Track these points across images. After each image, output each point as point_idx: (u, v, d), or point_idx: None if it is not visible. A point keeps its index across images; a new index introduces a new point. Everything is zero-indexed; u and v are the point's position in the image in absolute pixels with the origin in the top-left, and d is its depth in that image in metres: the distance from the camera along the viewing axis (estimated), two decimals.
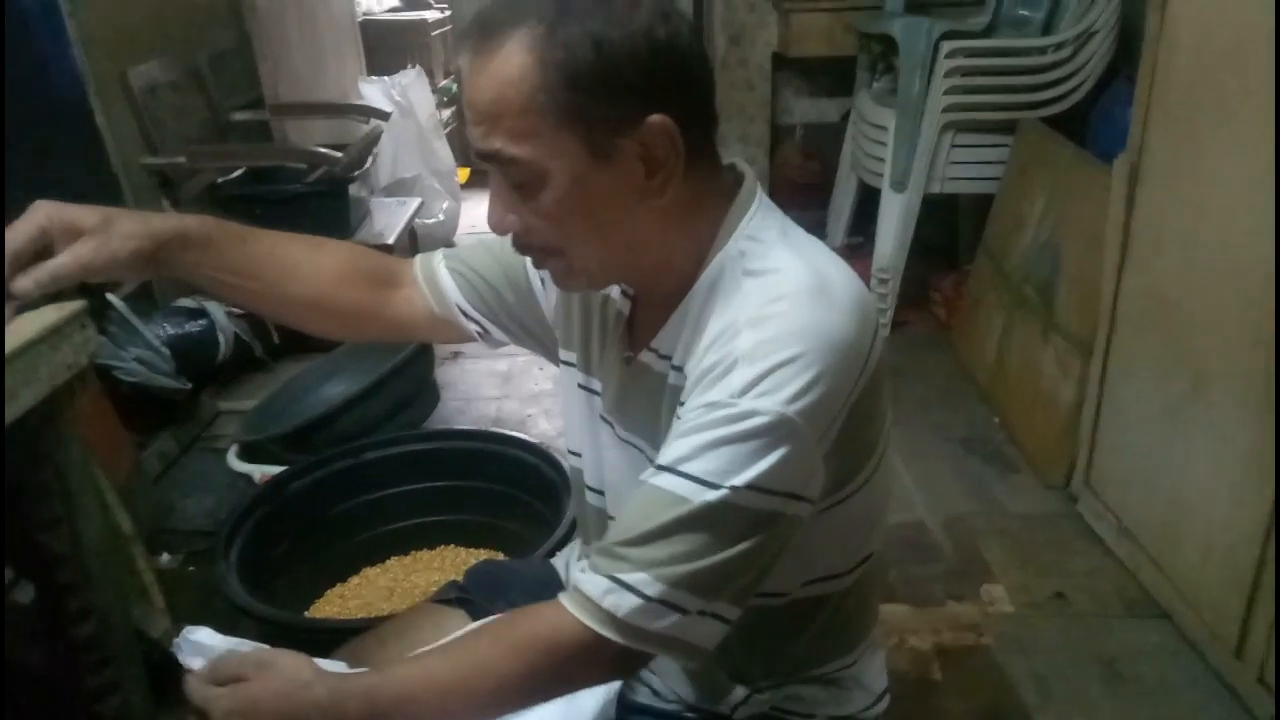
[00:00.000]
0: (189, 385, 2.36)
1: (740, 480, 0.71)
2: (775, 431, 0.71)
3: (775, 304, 0.74)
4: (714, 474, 0.72)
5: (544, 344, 1.03)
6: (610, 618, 0.72)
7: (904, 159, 2.79)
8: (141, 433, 2.29)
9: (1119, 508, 2.00)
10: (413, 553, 1.93)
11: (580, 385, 0.97)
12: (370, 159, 2.74)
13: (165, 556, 2.07)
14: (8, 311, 0.77)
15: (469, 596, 1.09)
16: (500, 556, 1.82)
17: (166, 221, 0.88)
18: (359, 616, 1.73)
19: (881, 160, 2.89)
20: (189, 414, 2.50)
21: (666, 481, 0.73)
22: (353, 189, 2.68)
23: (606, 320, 0.92)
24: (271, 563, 1.72)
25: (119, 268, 0.83)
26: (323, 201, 2.60)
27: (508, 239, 0.81)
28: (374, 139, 2.74)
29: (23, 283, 0.78)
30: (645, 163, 0.75)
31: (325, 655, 0.92)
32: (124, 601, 0.95)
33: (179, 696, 0.72)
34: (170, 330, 2.40)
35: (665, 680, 0.98)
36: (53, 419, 0.80)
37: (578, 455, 1.00)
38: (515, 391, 2.82)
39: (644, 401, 0.87)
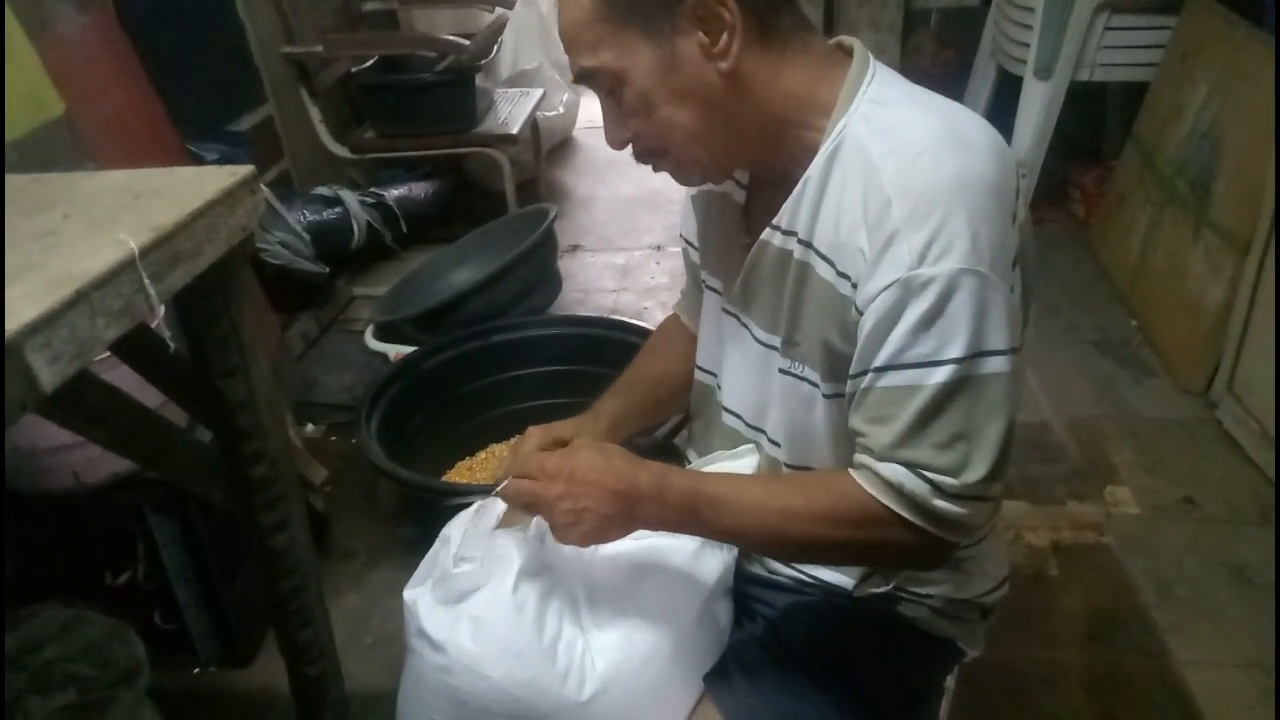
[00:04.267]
0: (327, 269, 2.48)
1: (958, 349, 0.72)
2: (965, 289, 0.71)
3: (916, 161, 0.73)
4: (933, 353, 0.72)
5: None
6: (909, 502, 0.75)
7: (1051, 42, 2.61)
8: (285, 313, 2.44)
9: (1264, 414, 1.90)
10: None
11: (705, 283, 1.00)
12: (496, 47, 2.75)
13: (309, 427, 2.24)
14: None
15: None
16: None
17: (606, 420, 1.06)
18: None
19: (1025, 45, 2.70)
20: (327, 297, 2.64)
21: (892, 379, 0.74)
22: (478, 79, 2.70)
23: (724, 214, 0.93)
24: (406, 435, 1.83)
25: None
26: (450, 91, 2.63)
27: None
28: (499, 27, 2.74)
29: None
30: (704, 30, 0.75)
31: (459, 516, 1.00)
32: (289, 449, 1.04)
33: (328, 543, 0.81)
34: (309, 216, 2.52)
35: None
36: (229, 277, 0.87)
37: (699, 361, 1.03)
38: (633, 284, 2.86)
39: (767, 282, 0.87)
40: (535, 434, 1.01)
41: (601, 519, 0.80)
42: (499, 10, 2.86)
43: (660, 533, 0.95)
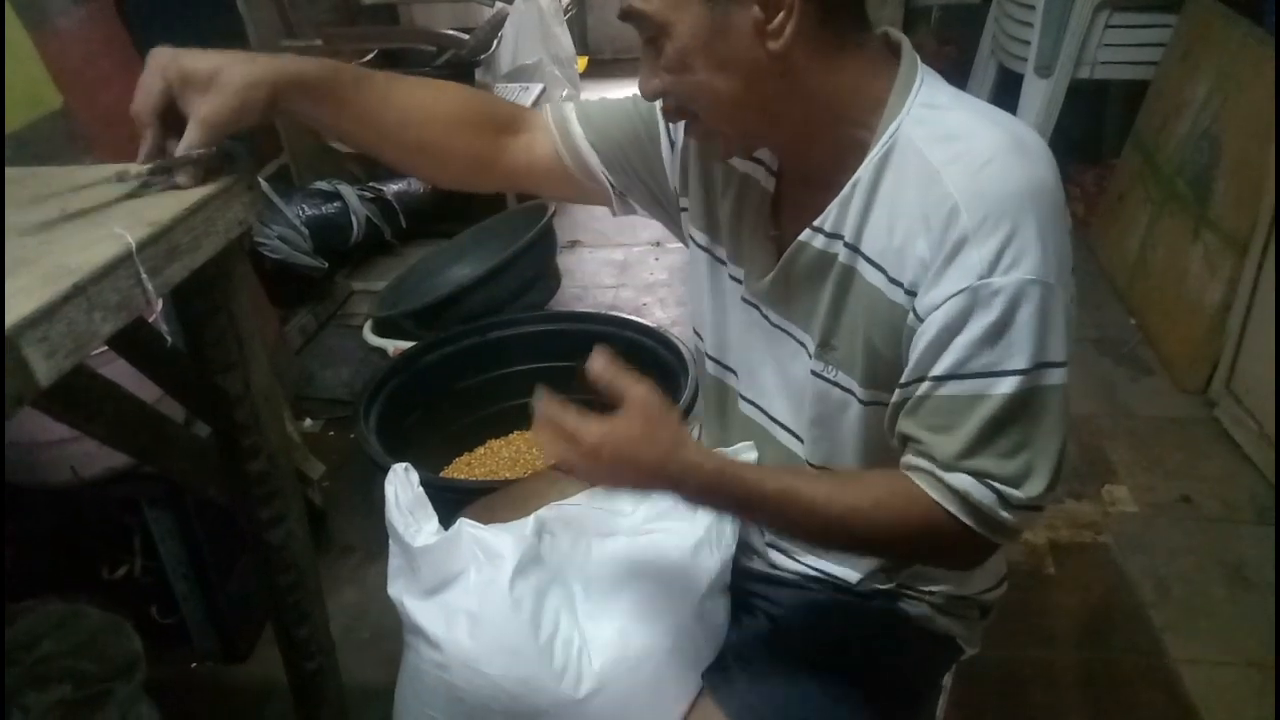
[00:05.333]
0: (325, 264, 2.48)
1: (1023, 360, 0.71)
2: (1034, 301, 0.70)
3: (984, 169, 0.71)
4: (996, 363, 0.71)
5: (670, 217, 1.01)
6: (974, 512, 0.74)
7: (1052, 40, 2.61)
8: (283, 308, 2.44)
9: (1262, 413, 1.91)
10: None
11: (714, 264, 0.96)
12: (495, 42, 2.74)
13: (308, 421, 2.24)
14: (187, 178, 0.80)
15: None
16: None
17: (282, 67, 0.83)
18: None
19: (1026, 43, 2.70)
20: (325, 292, 2.64)
21: (953, 389, 0.73)
22: (477, 74, 2.70)
23: (748, 199, 0.90)
24: (404, 430, 1.83)
25: (241, 119, 0.80)
26: None
27: (637, 101, 0.80)
28: (499, 22, 2.73)
29: (183, 180, 0.79)
30: (761, 5, 0.72)
31: (458, 512, 1.00)
32: (287, 444, 1.04)
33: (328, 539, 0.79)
34: (308, 211, 2.52)
35: (789, 552, 0.99)
36: (227, 272, 0.87)
37: (700, 338, 1.00)
38: (631, 280, 2.85)
39: (803, 283, 0.84)
40: (158, 63, 0.80)
41: (631, 488, 0.78)
42: (498, 5, 2.86)
43: (657, 528, 0.96)
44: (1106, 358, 2.33)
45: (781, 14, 0.72)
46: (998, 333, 0.71)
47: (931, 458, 0.75)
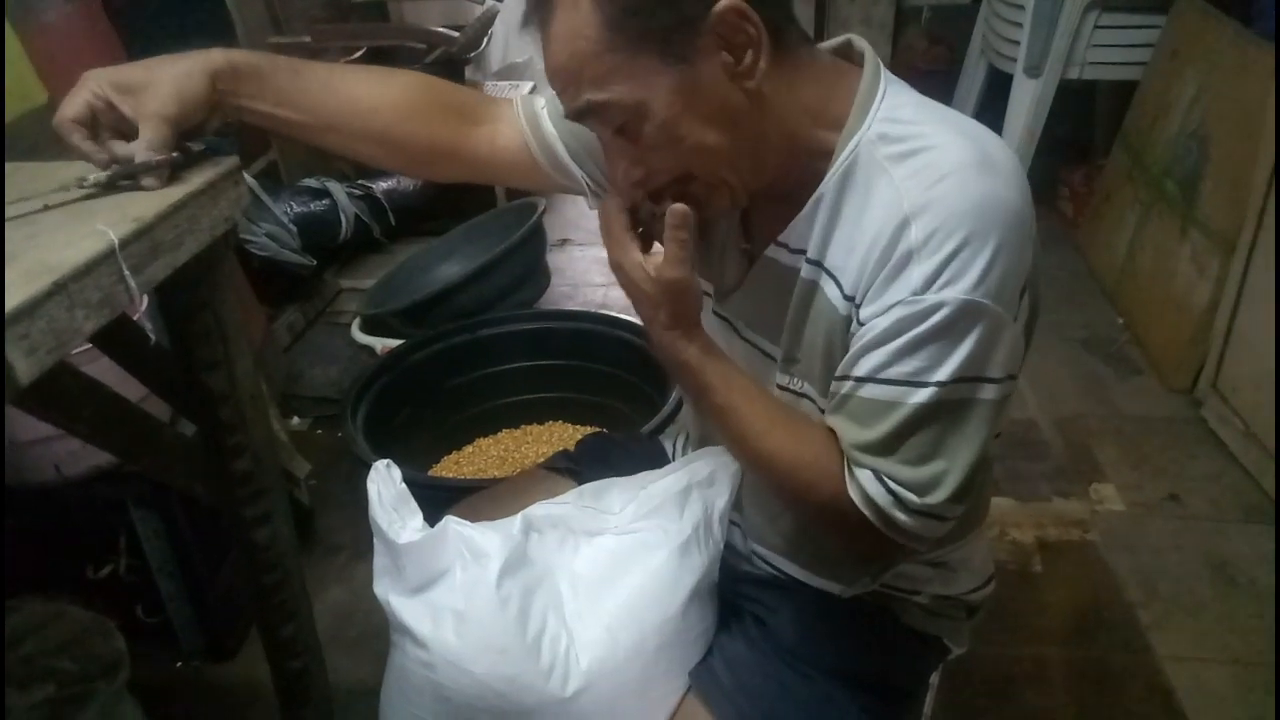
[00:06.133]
0: (314, 262, 2.47)
1: (944, 374, 0.71)
2: (966, 320, 0.70)
3: (939, 185, 0.70)
4: (917, 374, 0.71)
5: None
6: (870, 506, 0.74)
7: (1041, 40, 2.61)
8: (271, 306, 2.43)
9: (1248, 412, 1.92)
10: (523, 426, 2.01)
11: None
12: (485, 40, 2.73)
13: (295, 420, 2.23)
14: (153, 181, 0.79)
15: (577, 467, 1.13)
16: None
17: (211, 55, 0.84)
18: None
19: (1016, 43, 2.71)
20: (313, 290, 2.63)
21: (871, 391, 0.73)
22: (467, 71, 2.69)
23: (717, 216, 0.90)
24: (392, 429, 1.83)
25: (185, 110, 0.81)
26: None
27: None
28: (489, 19, 2.73)
29: (149, 184, 0.79)
30: (729, 50, 0.71)
31: (445, 510, 0.99)
32: (272, 443, 1.04)
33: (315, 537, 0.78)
34: (296, 208, 2.50)
35: (774, 553, 0.99)
36: (211, 269, 0.87)
37: None
38: None
39: (770, 298, 0.84)
40: (90, 77, 0.82)
41: (639, 305, 0.81)
42: (489, 2, 2.85)
43: (645, 527, 0.95)
44: (1094, 357, 2.34)
45: (749, 53, 0.72)
46: (922, 346, 0.70)
47: (849, 451, 0.76)
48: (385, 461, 0.94)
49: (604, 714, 0.87)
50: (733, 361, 0.83)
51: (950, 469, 0.73)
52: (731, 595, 1.00)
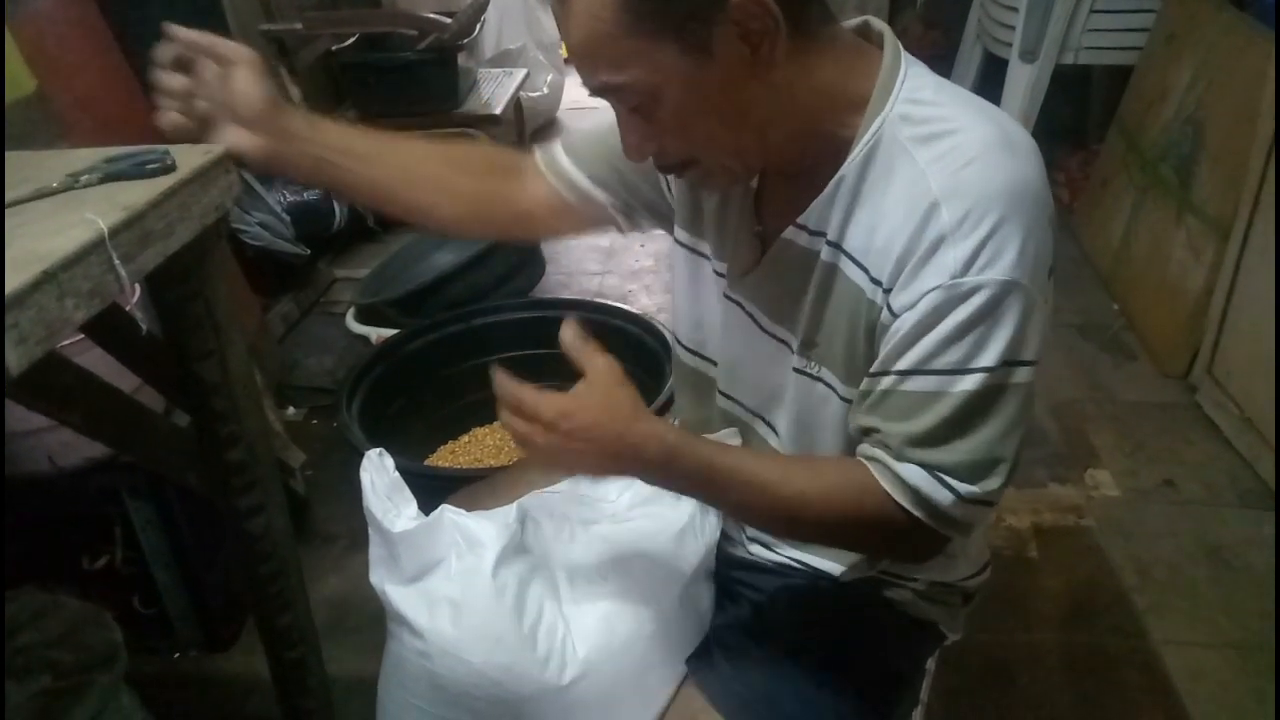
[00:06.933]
0: (308, 251, 2.46)
1: (989, 359, 0.71)
2: (1007, 301, 0.70)
3: (967, 168, 0.70)
4: (961, 361, 0.71)
5: (671, 223, 1.00)
6: (924, 504, 0.74)
7: (1037, 25, 2.61)
8: (265, 296, 2.42)
9: (1243, 397, 1.92)
10: None
11: (695, 259, 0.95)
12: (478, 27, 2.72)
13: (290, 410, 2.22)
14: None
15: None
16: None
17: (268, 151, 0.87)
18: None
19: (1011, 28, 2.70)
20: (308, 279, 2.62)
21: (916, 384, 0.73)
22: (460, 59, 2.67)
23: (732, 194, 0.89)
24: (388, 418, 1.82)
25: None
26: (432, 70, 2.60)
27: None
28: (482, 6, 2.71)
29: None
30: (746, 40, 0.70)
31: (442, 500, 0.99)
32: (266, 433, 1.03)
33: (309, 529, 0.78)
34: (290, 197, 2.49)
35: (770, 545, 0.99)
36: (203, 257, 0.86)
37: (683, 341, 1.00)
38: (617, 267, 2.84)
39: (787, 280, 0.84)
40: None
41: (590, 472, 0.79)
42: None
43: (641, 515, 0.95)
44: (1090, 343, 2.34)
45: (766, 43, 0.71)
46: (966, 331, 0.70)
47: (886, 447, 0.75)
48: (378, 450, 0.94)
49: (601, 702, 0.87)
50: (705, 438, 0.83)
51: (998, 453, 0.73)
52: (728, 582, 1.00)
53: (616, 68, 0.72)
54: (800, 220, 0.80)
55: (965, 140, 0.72)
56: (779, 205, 0.84)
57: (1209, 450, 1.95)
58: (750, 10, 0.69)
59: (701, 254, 0.94)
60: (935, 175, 0.71)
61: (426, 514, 0.91)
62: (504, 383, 0.76)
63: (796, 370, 0.85)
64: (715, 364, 0.97)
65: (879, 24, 0.80)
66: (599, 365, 0.77)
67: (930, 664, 1.06)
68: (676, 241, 0.96)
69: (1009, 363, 0.72)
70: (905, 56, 0.78)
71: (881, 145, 0.74)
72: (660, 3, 0.69)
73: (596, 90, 0.74)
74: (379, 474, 0.92)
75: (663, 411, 1.57)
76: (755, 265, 0.87)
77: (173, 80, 0.86)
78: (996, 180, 0.70)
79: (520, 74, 3.05)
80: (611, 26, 0.70)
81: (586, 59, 0.73)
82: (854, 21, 0.82)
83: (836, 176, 0.76)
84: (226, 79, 0.85)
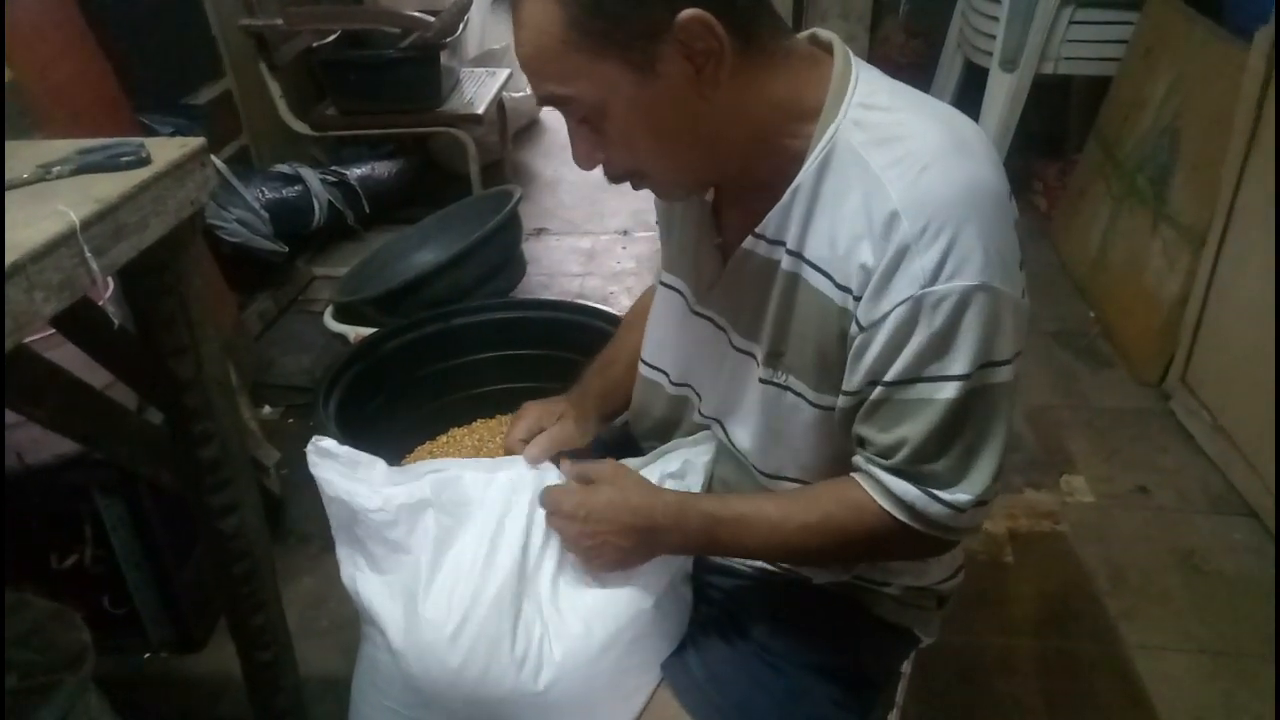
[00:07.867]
0: (286, 249, 2.43)
1: (968, 365, 0.71)
2: (980, 304, 0.70)
3: (924, 175, 0.70)
4: (942, 369, 0.72)
5: None
6: (920, 517, 0.77)
7: (1017, 35, 2.63)
8: (242, 293, 2.40)
9: (1215, 405, 1.94)
10: (498, 416, 1.99)
11: (674, 295, 0.96)
12: (461, 26, 2.70)
13: (266, 409, 2.20)
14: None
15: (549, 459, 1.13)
16: None
17: (590, 400, 1.08)
18: None
19: (992, 37, 2.72)
20: (286, 277, 2.59)
21: (904, 393, 0.74)
22: (443, 58, 2.66)
23: (689, 210, 0.90)
24: (365, 418, 1.80)
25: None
26: (414, 69, 2.59)
27: None
28: (466, 5, 2.70)
29: (532, 451, 0.97)
30: (691, 61, 0.71)
31: None
32: (241, 430, 1.02)
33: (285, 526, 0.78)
34: (268, 194, 2.47)
35: None
36: (177, 252, 0.85)
37: (658, 369, 1.00)
38: (598, 269, 2.84)
39: (749, 291, 0.84)
40: (531, 411, 1.05)
41: (621, 551, 0.85)
42: None
43: None
44: (1066, 350, 2.36)
45: (711, 63, 0.71)
46: (943, 338, 0.71)
47: (877, 459, 0.77)
48: (313, 440, 0.92)
49: (576, 706, 0.86)
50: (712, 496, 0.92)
51: (985, 456, 0.75)
52: (703, 586, 0.99)
53: (562, 81, 0.73)
54: (758, 230, 0.81)
55: (919, 145, 0.72)
56: (737, 217, 0.84)
57: (1182, 457, 1.97)
58: (695, 31, 0.69)
59: (672, 287, 0.96)
60: (893, 183, 0.71)
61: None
62: (544, 490, 0.88)
63: (763, 381, 0.86)
64: (698, 392, 0.97)
65: (826, 34, 0.81)
66: (602, 466, 0.88)
67: (905, 667, 1.06)
68: (663, 284, 0.97)
69: (989, 364, 0.72)
70: (856, 62, 0.78)
71: (836, 152, 0.75)
72: (607, 21, 0.69)
73: (544, 100, 0.75)
74: (329, 459, 0.90)
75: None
76: (719, 279, 0.87)
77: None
78: (954, 185, 0.70)
79: (503, 74, 3.04)
80: (558, 42, 0.70)
81: (534, 71, 0.74)
82: (803, 35, 0.83)
83: (793, 185, 0.77)
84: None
